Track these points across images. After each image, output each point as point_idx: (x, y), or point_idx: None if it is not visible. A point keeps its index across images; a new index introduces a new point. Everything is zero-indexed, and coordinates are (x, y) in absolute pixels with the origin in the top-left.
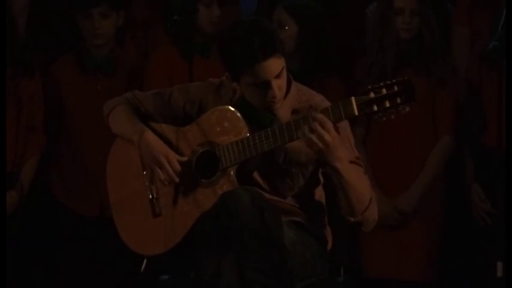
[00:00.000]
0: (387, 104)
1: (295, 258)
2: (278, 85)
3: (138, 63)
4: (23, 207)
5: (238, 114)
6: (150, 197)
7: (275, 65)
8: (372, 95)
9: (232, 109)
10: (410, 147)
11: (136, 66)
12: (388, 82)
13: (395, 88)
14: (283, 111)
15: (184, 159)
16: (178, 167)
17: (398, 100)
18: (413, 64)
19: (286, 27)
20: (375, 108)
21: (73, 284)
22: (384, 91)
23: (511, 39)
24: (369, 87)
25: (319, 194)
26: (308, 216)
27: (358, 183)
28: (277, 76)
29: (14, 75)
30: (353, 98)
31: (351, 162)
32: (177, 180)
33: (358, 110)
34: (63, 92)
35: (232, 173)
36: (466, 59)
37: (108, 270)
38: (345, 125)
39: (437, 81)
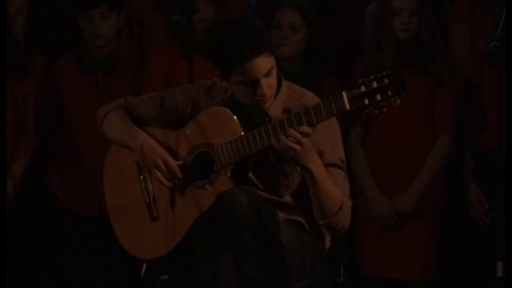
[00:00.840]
0: (378, 97)
1: (293, 257)
2: (268, 83)
3: (138, 63)
4: (22, 207)
5: (232, 115)
6: (147, 201)
7: (264, 63)
8: (363, 88)
9: (226, 109)
10: (409, 147)
11: (137, 66)
12: (378, 75)
13: (386, 81)
14: (275, 110)
15: (180, 162)
16: (175, 167)
17: (389, 93)
18: (412, 64)
19: (300, 30)
20: (366, 101)
21: (73, 284)
22: (375, 84)
23: (511, 39)
24: (360, 81)
25: None
26: (307, 215)
27: (331, 188)
28: (267, 74)
29: (10, 75)
30: (344, 93)
31: (333, 164)
32: (175, 178)
33: (349, 104)
34: (64, 92)
35: (228, 173)
36: (465, 58)
37: (108, 269)
38: (334, 125)
39: (435, 81)
